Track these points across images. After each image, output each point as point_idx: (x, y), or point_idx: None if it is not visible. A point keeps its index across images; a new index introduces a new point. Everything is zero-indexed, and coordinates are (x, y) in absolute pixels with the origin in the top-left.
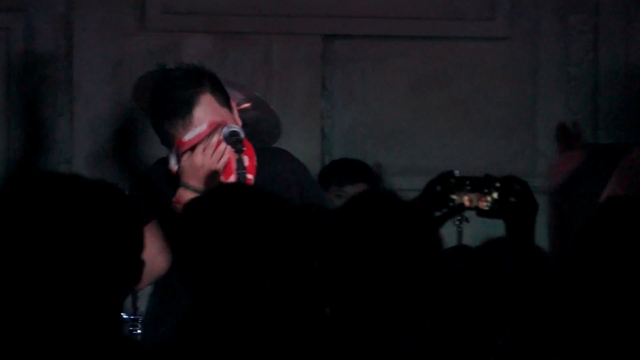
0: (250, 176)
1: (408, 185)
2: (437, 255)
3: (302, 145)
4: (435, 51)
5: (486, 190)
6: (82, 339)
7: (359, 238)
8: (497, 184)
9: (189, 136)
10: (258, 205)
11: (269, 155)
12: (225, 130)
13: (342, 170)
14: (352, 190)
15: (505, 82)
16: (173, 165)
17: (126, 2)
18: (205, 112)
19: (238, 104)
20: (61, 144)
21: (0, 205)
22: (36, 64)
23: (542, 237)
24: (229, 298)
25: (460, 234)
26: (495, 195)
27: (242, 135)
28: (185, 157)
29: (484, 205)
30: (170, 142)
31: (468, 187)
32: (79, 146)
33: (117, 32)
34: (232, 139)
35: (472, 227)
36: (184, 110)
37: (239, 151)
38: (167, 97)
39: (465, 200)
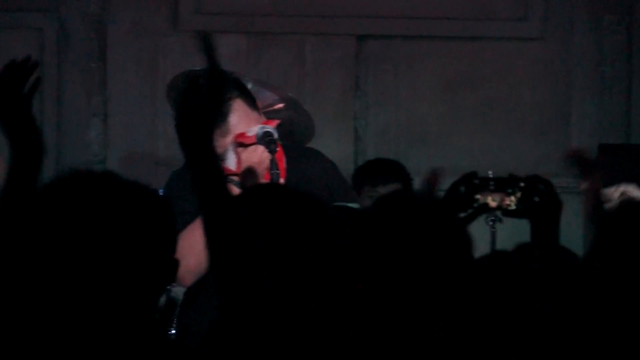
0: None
1: (441, 185)
2: (466, 254)
3: (335, 145)
4: (469, 51)
5: (510, 190)
6: (115, 338)
7: (386, 239)
8: (521, 184)
9: (249, 134)
10: (295, 205)
11: (299, 155)
12: (259, 130)
13: (376, 170)
14: (385, 190)
15: (539, 82)
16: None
17: (159, 3)
18: (240, 118)
19: (271, 105)
20: (95, 145)
21: (36, 204)
22: None
23: (576, 236)
24: (262, 299)
25: (493, 234)
26: (519, 194)
27: (276, 135)
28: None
29: (508, 205)
30: None
31: (492, 187)
32: (112, 147)
33: (150, 32)
34: (266, 139)
35: (506, 228)
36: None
37: (272, 152)
38: None
39: (489, 200)
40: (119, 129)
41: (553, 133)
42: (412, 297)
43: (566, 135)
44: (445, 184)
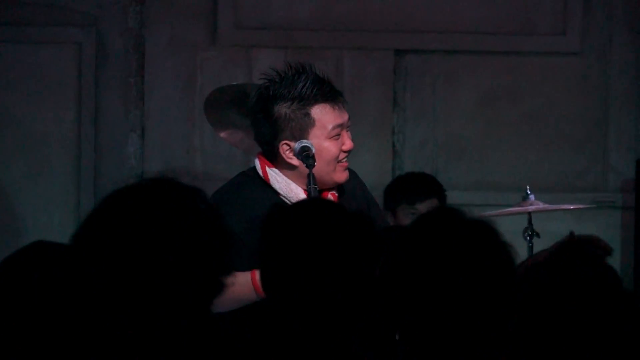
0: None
1: (479, 200)
2: (512, 271)
3: (373, 159)
4: (507, 66)
5: None
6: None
7: (432, 258)
8: None
9: None
10: (337, 220)
11: None
12: (297, 145)
13: (411, 187)
14: (423, 207)
15: (577, 96)
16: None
17: (198, 17)
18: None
19: None
20: (132, 159)
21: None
22: None
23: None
24: (306, 311)
25: (530, 249)
26: None
27: (313, 150)
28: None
29: None
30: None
31: None
32: (149, 161)
33: (189, 47)
34: (303, 154)
35: (543, 242)
36: (332, 95)
37: (309, 166)
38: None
39: None
40: (157, 144)
41: (591, 147)
42: (459, 318)
43: (604, 150)
44: (482, 198)
